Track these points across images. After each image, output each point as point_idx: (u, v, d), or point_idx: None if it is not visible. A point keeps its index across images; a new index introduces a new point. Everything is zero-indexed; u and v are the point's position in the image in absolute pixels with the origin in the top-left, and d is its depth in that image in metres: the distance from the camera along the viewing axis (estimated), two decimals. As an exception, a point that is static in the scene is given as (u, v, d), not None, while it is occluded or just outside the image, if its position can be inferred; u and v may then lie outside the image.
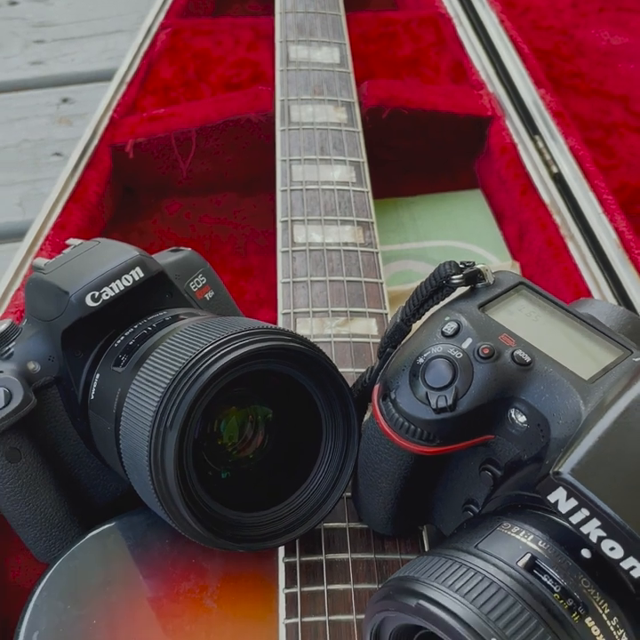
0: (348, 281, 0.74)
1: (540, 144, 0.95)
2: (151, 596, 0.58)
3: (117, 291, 0.61)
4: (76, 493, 0.64)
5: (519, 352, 0.48)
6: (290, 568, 0.58)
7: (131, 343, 0.59)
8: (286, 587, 0.57)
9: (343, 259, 0.76)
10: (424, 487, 0.55)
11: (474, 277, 0.53)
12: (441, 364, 0.49)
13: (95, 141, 0.93)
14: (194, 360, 0.52)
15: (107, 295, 0.60)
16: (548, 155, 0.94)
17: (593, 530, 0.41)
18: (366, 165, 0.85)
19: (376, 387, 0.52)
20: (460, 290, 0.53)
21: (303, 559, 0.58)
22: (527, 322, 0.51)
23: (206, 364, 0.51)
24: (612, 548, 0.41)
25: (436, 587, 0.43)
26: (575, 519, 0.42)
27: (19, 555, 0.68)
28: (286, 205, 0.81)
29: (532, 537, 0.44)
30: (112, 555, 0.60)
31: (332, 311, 0.72)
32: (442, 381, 0.48)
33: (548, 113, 0.97)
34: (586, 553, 0.44)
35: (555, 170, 0.92)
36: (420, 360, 0.50)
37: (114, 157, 0.94)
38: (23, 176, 1.04)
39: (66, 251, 0.65)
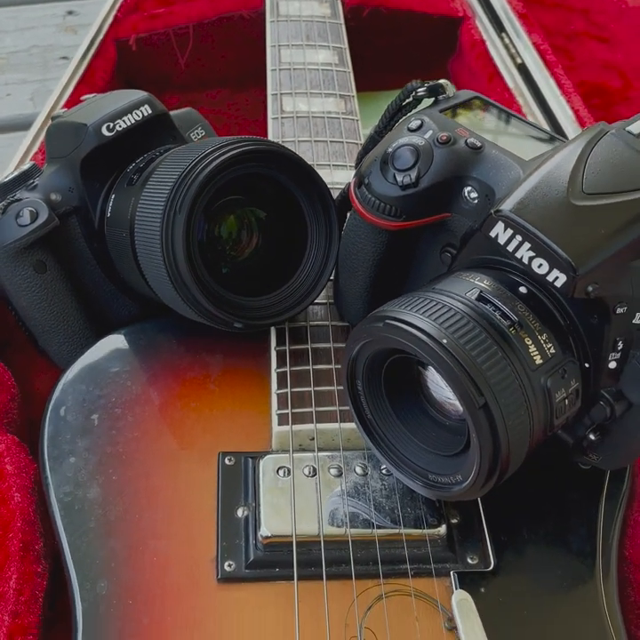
0: (331, 141, 0.84)
1: (507, 40, 1.04)
2: (162, 382, 0.68)
3: (129, 123, 0.70)
4: (94, 312, 0.73)
5: (472, 139, 0.58)
6: (281, 354, 0.67)
7: (141, 166, 0.69)
8: (278, 367, 0.66)
9: (327, 124, 0.86)
10: (394, 278, 0.65)
11: (436, 90, 0.62)
12: (406, 151, 0.58)
13: (101, 36, 1.02)
14: (198, 159, 0.61)
15: (120, 127, 0.70)
16: (513, 49, 1.03)
17: (525, 253, 0.51)
18: (348, 51, 0.94)
19: (352, 180, 0.62)
20: (425, 104, 0.63)
21: (292, 347, 0.68)
22: (480, 123, 0.61)
23: (209, 160, 0.61)
24: (540, 265, 0.51)
25: (399, 310, 0.52)
26: (511, 246, 0.51)
27: (42, 373, 0.78)
28: (276, 82, 0.90)
29: (479, 278, 0.54)
30: (128, 351, 0.69)
31: (317, 165, 0.81)
32: (407, 164, 0.58)
33: (514, 14, 1.07)
34: (523, 289, 0.53)
35: (519, 61, 1.02)
36: (389, 150, 0.59)
37: (118, 51, 1.03)
38: (34, 76, 1.13)
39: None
